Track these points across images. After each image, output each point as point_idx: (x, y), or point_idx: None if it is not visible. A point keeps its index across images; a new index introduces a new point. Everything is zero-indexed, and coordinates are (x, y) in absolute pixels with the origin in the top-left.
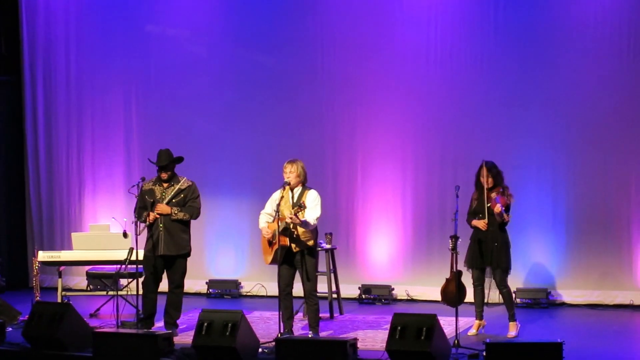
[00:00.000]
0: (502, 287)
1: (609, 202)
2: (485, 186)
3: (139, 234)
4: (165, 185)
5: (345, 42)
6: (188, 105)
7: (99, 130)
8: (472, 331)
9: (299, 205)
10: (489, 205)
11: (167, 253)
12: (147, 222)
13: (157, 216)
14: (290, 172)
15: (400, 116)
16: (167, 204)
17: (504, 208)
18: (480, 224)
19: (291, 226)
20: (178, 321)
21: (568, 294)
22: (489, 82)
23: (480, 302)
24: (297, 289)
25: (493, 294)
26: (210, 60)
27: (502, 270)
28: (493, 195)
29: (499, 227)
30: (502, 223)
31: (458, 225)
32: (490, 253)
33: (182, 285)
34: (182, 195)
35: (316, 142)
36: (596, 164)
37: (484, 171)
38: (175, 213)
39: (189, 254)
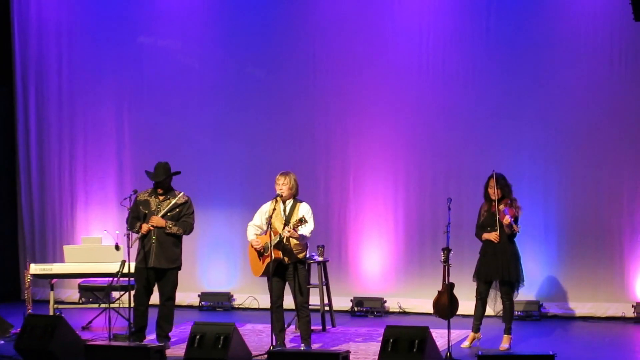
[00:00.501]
0: (507, 299)
1: (601, 214)
2: (494, 198)
3: (131, 247)
4: (161, 197)
5: (337, 54)
6: (180, 117)
7: (91, 142)
8: (466, 343)
9: (300, 220)
10: (498, 217)
11: (157, 266)
12: (140, 233)
13: (151, 228)
14: (283, 184)
15: (392, 128)
16: (162, 217)
17: (512, 219)
18: (492, 236)
19: (285, 239)
20: (170, 334)
21: (560, 306)
22: (480, 94)
23: (479, 315)
24: (289, 302)
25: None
26: (202, 72)
27: (510, 283)
28: (501, 207)
29: (508, 239)
30: (510, 235)
31: (450, 237)
32: (499, 265)
33: (173, 298)
34: (177, 210)
35: (308, 154)
36: (587, 175)
37: (493, 183)
38: (169, 227)
39: (179, 268)
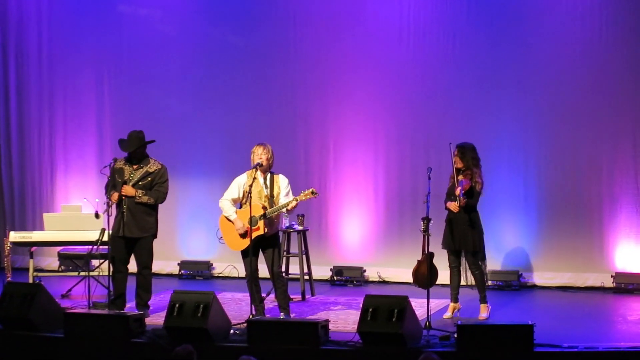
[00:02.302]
0: (474, 269)
1: (580, 184)
2: (454, 166)
3: (110, 214)
4: (135, 166)
5: (317, 21)
6: (160, 85)
7: (70, 110)
8: (447, 314)
9: (312, 192)
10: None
11: (128, 235)
12: (112, 201)
13: (124, 198)
14: (263, 154)
15: (372, 97)
16: (134, 186)
17: (462, 192)
18: (452, 205)
19: (274, 214)
20: (149, 302)
21: (539, 276)
22: (461, 62)
23: (455, 285)
24: (262, 272)
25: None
26: (181, 39)
27: (471, 252)
28: (460, 177)
29: (466, 209)
30: (468, 206)
31: (430, 207)
32: (459, 235)
33: (149, 267)
34: (149, 179)
35: (288, 122)
36: (568, 146)
37: (456, 152)
38: (139, 196)
39: (154, 236)
